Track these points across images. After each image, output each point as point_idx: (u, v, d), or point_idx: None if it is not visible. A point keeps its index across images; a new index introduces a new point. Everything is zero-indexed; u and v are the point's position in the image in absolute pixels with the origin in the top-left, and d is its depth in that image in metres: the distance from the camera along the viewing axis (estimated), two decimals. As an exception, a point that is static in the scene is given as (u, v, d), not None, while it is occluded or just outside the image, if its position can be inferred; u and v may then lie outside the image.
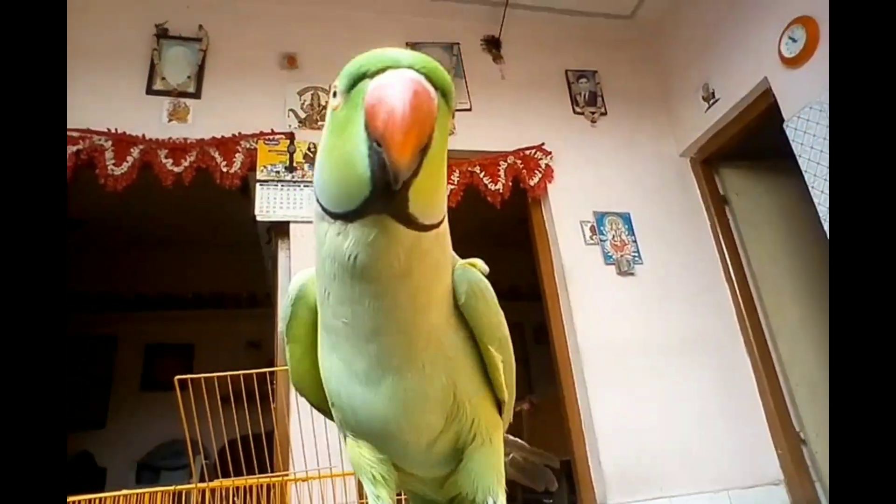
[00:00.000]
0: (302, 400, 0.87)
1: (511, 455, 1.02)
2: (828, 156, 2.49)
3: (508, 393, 0.80)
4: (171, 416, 4.46)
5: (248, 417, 1.72)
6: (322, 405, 0.84)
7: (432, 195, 0.60)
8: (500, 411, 0.81)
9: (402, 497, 1.19)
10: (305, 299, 0.78)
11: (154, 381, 4.96)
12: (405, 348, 0.66)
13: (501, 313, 0.78)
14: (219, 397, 1.78)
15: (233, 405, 1.80)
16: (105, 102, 2.69)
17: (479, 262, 0.78)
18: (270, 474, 1.74)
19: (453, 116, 0.62)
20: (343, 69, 0.59)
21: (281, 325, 0.81)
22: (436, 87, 0.56)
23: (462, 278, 0.72)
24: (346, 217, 0.59)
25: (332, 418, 0.83)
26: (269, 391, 2.28)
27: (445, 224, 0.66)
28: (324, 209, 0.61)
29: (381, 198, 0.55)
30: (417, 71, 0.55)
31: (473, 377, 0.75)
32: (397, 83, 0.53)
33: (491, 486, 0.75)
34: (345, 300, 0.64)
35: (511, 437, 0.99)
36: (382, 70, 0.55)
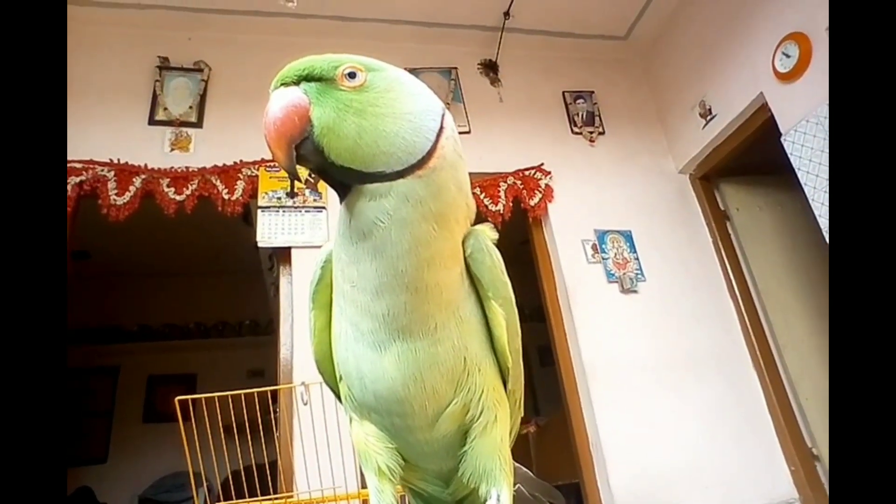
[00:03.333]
0: (305, 421, 0.85)
1: (518, 486, 0.99)
2: (827, 168, 2.50)
3: (514, 364, 0.77)
4: (174, 449, 4.44)
5: (250, 446, 1.69)
6: (336, 383, 0.82)
7: (370, 146, 0.65)
8: (505, 387, 0.78)
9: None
10: (331, 265, 0.78)
11: (156, 412, 4.92)
12: (415, 308, 0.66)
13: (507, 278, 0.77)
14: (221, 428, 1.76)
15: (235, 435, 1.78)
16: (108, 133, 2.72)
17: (487, 226, 0.78)
18: (274, 496, 1.71)
19: (352, 76, 0.69)
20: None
21: (309, 289, 0.80)
22: (297, 83, 0.68)
23: (470, 235, 0.74)
24: (342, 198, 0.69)
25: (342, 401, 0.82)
26: (272, 419, 2.26)
27: (436, 165, 0.68)
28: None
29: (332, 180, 0.69)
30: (281, 84, 0.69)
31: (484, 345, 0.74)
32: (269, 104, 0.67)
33: (495, 475, 0.72)
34: (351, 261, 0.67)
35: (517, 465, 0.94)
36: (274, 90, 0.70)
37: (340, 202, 0.70)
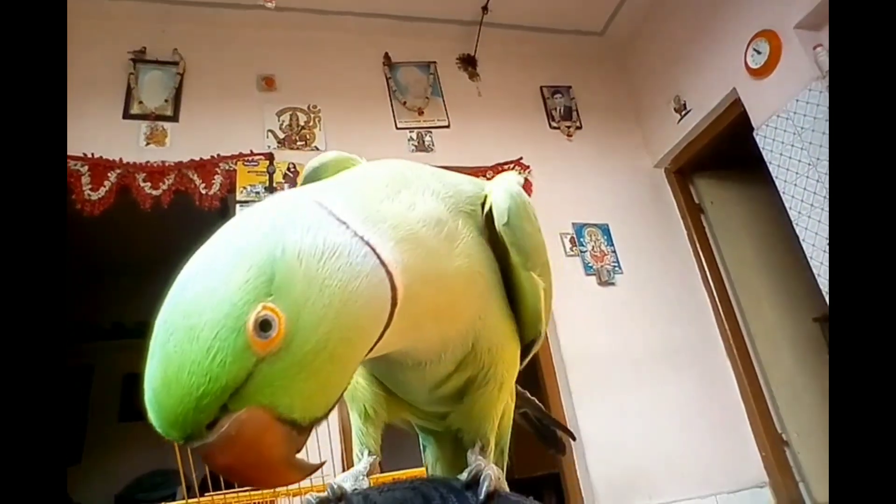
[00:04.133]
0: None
1: (523, 410, 0.95)
2: (797, 162, 2.57)
3: (544, 328, 0.69)
4: (151, 447, 4.38)
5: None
6: None
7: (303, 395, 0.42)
8: (529, 349, 0.71)
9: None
10: None
11: (133, 411, 4.86)
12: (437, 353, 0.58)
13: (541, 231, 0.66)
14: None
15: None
16: (81, 128, 2.67)
17: (513, 174, 0.66)
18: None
19: (265, 327, 0.38)
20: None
21: None
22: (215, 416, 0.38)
23: (504, 193, 0.59)
24: None
25: None
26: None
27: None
28: None
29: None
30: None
31: (499, 320, 0.62)
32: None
33: (484, 430, 0.65)
34: None
35: (528, 395, 0.88)
36: None
37: None
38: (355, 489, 0.60)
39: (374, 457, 0.67)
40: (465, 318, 0.58)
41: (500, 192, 0.60)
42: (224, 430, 0.38)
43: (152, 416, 0.38)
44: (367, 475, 0.64)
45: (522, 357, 0.73)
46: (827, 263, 2.44)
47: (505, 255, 0.63)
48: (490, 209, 0.60)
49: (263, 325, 0.38)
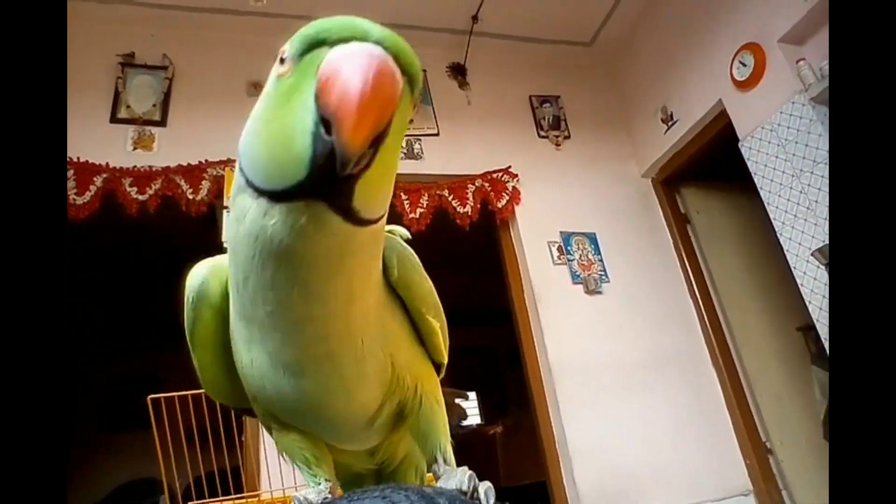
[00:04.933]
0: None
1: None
2: (781, 173, 2.61)
3: (445, 359, 0.77)
4: (131, 456, 4.33)
5: (223, 449, 1.67)
6: (242, 403, 0.75)
7: (380, 189, 0.54)
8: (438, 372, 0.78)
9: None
10: (208, 298, 0.69)
11: (115, 419, 4.79)
12: (342, 333, 0.60)
13: (429, 278, 0.73)
14: (183, 433, 1.73)
15: (197, 441, 1.75)
16: (68, 131, 2.65)
17: (398, 228, 0.75)
18: (242, 494, 1.70)
19: (415, 107, 0.55)
20: (299, 31, 0.52)
21: (186, 330, 0.71)
22: (402, 71, 0.49)
23: (391, 250, 0.67)
24: (274, 196, 0.51)
25: (252, 415, 0.76)
26: (234, 425, 2.22)
27: (385, 218, 0.59)
28: (247, 181, 0.54)
29: (319, 183, 0.48)
30: (385, 48, 0.48)
31: (410, 347, 0.71)
32: (361, 57, 0.46)
33: (439, 441, 0.72)
34: (268, 286, 0.55)
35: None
36: (346, 40, 0.48)
37: (243, 208, 0.54)
38: (325, 499, 0.61)
39: (331, 482, 0.70)
40: (380, 318, 0.65)
41: (389, 250, 0.67)
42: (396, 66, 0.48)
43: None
44: (330, 493, 0.68)
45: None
46: (810, 273, 2.48)
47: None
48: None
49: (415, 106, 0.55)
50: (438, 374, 0.80)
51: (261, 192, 0.52)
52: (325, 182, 0.48)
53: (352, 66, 0.46)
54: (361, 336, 0.62)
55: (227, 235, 0.59)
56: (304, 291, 0.55)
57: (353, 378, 0.63)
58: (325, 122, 0.46)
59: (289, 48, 0.52)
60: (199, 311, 0.69)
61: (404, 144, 3.18)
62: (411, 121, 0.55)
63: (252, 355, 0.63)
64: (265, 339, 0.60)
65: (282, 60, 0.53)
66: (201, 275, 0.69)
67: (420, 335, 0.75)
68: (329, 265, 0.54)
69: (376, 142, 0.47)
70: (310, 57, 0.50)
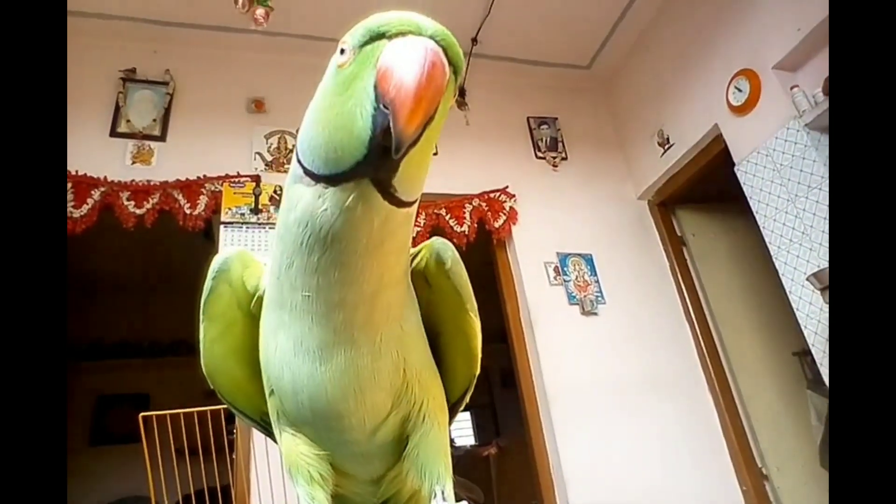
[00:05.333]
0: (260, 445, 0.83)
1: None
2: (776, 197, 2.63)
3: (478, 370, 0.80)
4: (121, 473, 4.27)
5: (214, 466, 1.65)
6: (233, 395, 0.80)
7: (419, 171, 0.60)
8: (464, 397, 0.80)
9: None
10: (227, 275, 0.75)
11: (105, 434, 4.73)
12: (367, 320, 0.64)
13: None
14: (173, 451, 1.71)
15: (187, 458, 1.73)
16: (68, 145, 2.65)
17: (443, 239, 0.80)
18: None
19: (455, 95, 0.61)
20: (359, 24, 0.58)
21: (201, 300, 0.76)
22: (449, 62, 0.55)
23: (445, 247, 0.74)
24: (330, 179, 0.57)
25: (240, 412, 0.79)
26: (225, 442, 2.20)
27: (416, 206, 0.65)
28: (305, 170, 0.59)
29: (374, 163, 0.54)
30: (437, 42, 0.54)
31: (423, 357, 0.74)
32: (417, 50, 0.52)
33: (439, 473, 0.72)
34: (312, 270, 0.60)
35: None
36: (404, 34, 0.54)
37: (295, 197, 0.61)
38: None
39: None
40: (400, 314, 0.68)
41: (441, 243, 0.72)
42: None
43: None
44: None
45: (454, 412, 0.82)
46: (805, 298, 2.48)
47: (439, 303, 0.75)
48: (423, 261, 0.75)
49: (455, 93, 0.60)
50: (460, 406, 0.81)
51: (317, 179, 0.58)
52: (378, 162, 0.54)
53: (409, 58, 0.51)
54: (380, 331, 0.66)
55: (277, 225, 0.65)
56: (343, 274, 0.60)
57: (367, 375, 0.66)
58: (385, 107, 0.51)
59: (350, 39, 0.57)
60: (217, 284, 0.75)
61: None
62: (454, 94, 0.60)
63: (278, 341, 0.68)
64: (293, 324, 0.65)
65: (342, 51, 0.58)
66: (229, 253, 0.76)
67: (436, 350, 0.76)
68: (368, 246, 0.59)
69: (425, 126, 0.53)
70: (370, 48, 0.55)
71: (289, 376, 0.67)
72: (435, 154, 3.29)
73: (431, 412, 0.73)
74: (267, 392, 0.73)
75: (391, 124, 0.50)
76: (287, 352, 0.67)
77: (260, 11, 2.13)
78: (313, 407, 0.68)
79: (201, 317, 0.76)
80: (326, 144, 0.56)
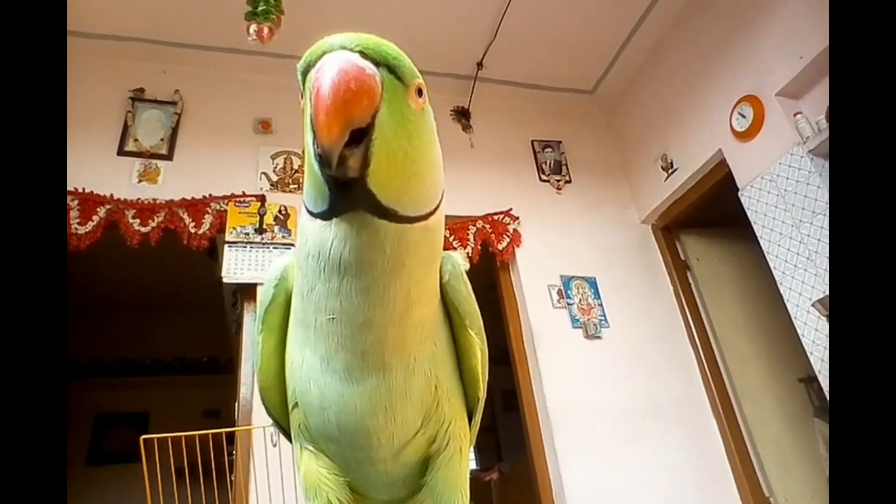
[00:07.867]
0: (261, 466, 0.82)
1: None
2: (780, 222, 2.62)
3: (482, 393, 0.78)
4: (119, 494, 4.20)
5: (214, 489, 1.62)
6: (284, 417, 0.77)
7: (404, 182, 0.57)
8: (470, 422, 0.78)
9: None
10: (286, 283, 0.74)
11: (102, 454, 4.68)
12: (399, 342, 0.63)
13: (475, 301, 0.77)
14: (173, 472, 1.68)
15: (187, 479, 1.70)
16: (74, 162, 2.67)
17: (459, 254, 0.78)
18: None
19: (420, 94, 0.60)
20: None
21: (260, 310, 0.76)
22: (377, 63, 0.53)
23: (446, 260, 0.73)
24: (324, 216, 0.57)
25: (289, 436, 0.77)
26: (226, 463, 2.18)
27: (439, 215, 0.63)
28: (306, 208, 0.61)
29: (344, 193, 0.53)
30: (350, 50, 0.52)
31: (453, 375, 0.73)
32: (326, 66, 0.50)
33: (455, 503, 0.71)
34: (334, 294, 0.60)
35: None
36: (320, 58, 0.53)
37: (306, 230, 0.62)
38: None
39: None
40: (432, 332, 0.68)
41: (444, 256, 0.72)
42: (360, 60, 0.52)
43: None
44: None
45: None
46: (811, 324, 2.46)
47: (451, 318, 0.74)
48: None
49: (419, 91, 0.59)
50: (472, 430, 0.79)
51: (314, 215, 0.59)
52: (347, 191, 0.53)
53: (319, 77, 0.50)
54: (414, 352, 0.65)
55: (296, 255, 0.66)
56: (366, 297, 0.59)
57: (399, 392, 0.65)
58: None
59: (299, 83, 0.58)
60: (277, 293, 0.74)
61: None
62: (420, 93, 0.60)
63: (304, 355, 0.67)
64: (318, 343, 0.64)
65: (301, 95, 0.58)
66: (285, 262, 0.76)
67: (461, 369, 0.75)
68: (386, 268, 0.58)
69: (359, 136, 0.51)
70: (306, 85, 0.56)
71: (316, 391, 0.67)
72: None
73: (456, 435, 0.72)
74: (290, 405, 0.72)
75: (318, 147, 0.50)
76: (314, 368, 0.66)
77: (254, 28, 2.14)
78: (340, 422, 0.66)
79: (259, 327, 0.76)
80: (309, 187, 0.58)
